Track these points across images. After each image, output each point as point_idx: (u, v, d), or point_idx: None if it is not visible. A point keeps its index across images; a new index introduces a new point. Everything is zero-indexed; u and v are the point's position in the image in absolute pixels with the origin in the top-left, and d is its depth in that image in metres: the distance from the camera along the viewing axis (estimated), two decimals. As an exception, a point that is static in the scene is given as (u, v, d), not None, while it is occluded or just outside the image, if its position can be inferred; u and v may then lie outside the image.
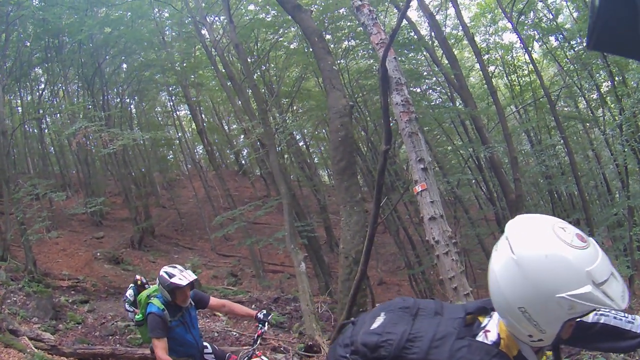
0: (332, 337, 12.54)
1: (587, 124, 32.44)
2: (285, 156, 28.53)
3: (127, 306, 14.29)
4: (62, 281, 22.01)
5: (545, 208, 34.06)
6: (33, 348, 12.79)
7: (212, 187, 40.18)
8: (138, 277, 14.82)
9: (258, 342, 6.92)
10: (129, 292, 14.30)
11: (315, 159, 45.14)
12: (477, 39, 27.21)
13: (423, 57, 27.64)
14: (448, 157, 30.91)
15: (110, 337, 15.86)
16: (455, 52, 26.35)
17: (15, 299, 17.09)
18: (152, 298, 6.88)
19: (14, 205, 21.39)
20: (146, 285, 14.36)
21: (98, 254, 27.21)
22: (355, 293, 11.16)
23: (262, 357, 6.82)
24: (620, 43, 1.98)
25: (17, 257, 22.72)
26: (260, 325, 6.92)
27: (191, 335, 6.96)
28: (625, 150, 21.67)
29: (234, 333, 15.32)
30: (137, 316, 7.42)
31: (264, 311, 7.07)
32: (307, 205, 33.85)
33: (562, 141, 27.13)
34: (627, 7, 1.77)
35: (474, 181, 33.37)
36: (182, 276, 6.66)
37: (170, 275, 6.65)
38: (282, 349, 13.67)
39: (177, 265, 7.10)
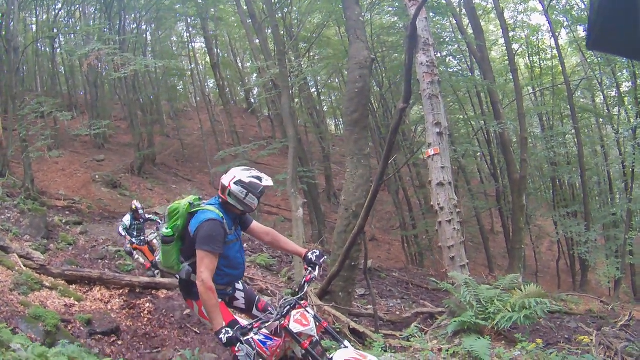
0: (321, 288, 12.53)
1: (601, 120, 32.31)
2: (296, 100, 28.29)
3: (120, 230, 14.20)
4: (57, 201, 22.18)
5: (545, 194, 34.11)
6: (22, 266, 12.79)
7: (218, 122, 40.23)
8: (134, 202, 14.75)
9: (305, 290, 5.34)
10: (126, 218, 14.35)
11: (325, 107, 44.82)
12: (506, 14, 26.82)
13: (448, 23, 27.36)
14: (458, 125, 30.75)
15: (100, 261, 15.90)
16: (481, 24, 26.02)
17: (9, 215, 17.15)
18: (201, 205, 5.38)
19: (18, 122, 21.44)
20: (140, 211, 14.27)
21: (97, 176, 27.31)
22: (351, 246, 11.12)
23: (307, 309, 5.17)
24: (619, 43, 1.98)
25: (15, 174, 22.83)
26: (309, 268, 5.39)
27: (242, 256, 5.63)
28: (635, 153, 21.62)
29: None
30: (165, 230, 5.51)
31: (316, 251, 5.50)
32: (310, 152, 33.84)
33: (573, 131, 27.03)
34: (627, 7, 1.80)
35: (479, 154, 33.35)
36: (268, 179, 5.40)
37: (259, 179, 5.31)
38: (269, 291, 13.69)
39: (250, 168, 5.57)
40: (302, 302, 5.21)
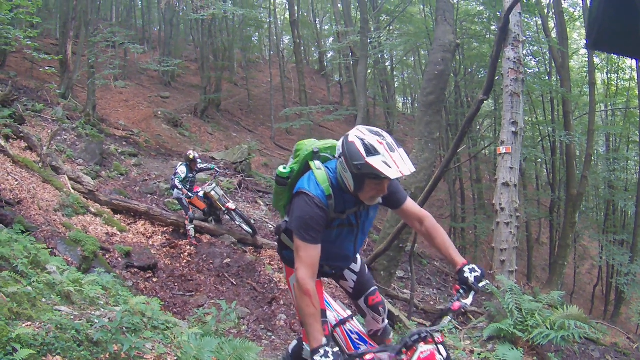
0: (365, 262, 12.48)
1: (668, 154, 31.38)
2: (369, 71, 27.99)
3: (177, 182, 13.34)
4: (116, 130, 22.44)
5: (597, 216, 33.47)
6: (70, 189, 12.93)
7: (288, 79, 40.18)
8: (191, 152, 13.82)
9: (447, 323, 3.67)
10: (182, 169, 13.55)
11: (396, 83, 44.52)
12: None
13: (533, 23, 26.80)
14: (526, 127, 30.28)
15: (149, 196, 15.98)
16: (564, 30, 25.51)
17: (66, 137, 17.35)
18: (317, 162, 3.88)
19: (89, 48, 21.73)
20: (198, 160, 13.67)
21: (159, 112, 27.56)
22: (403, 227, 11.11)
23: (441, 347, 3.53)
24: (619, 43, 2.05)
25: (78, 98, 23.16)
26: (461, 290, 3.65)
27: (353, 246, 4.13)
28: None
29: (270, 226, 15.35)
30: (281, 169, 4.10)
31: (478, 271, 3.67)
32: (375, 125, 33.41)
33: (637, 158, 26.35)
34: (627, 7, 1.82)
35: (539, 160, 32.77)
36: (394, 160, 3.35)
37: (369, 150, 3.39)
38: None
39: (380, 131, 3.57)
40: (437, 335, 3.60)
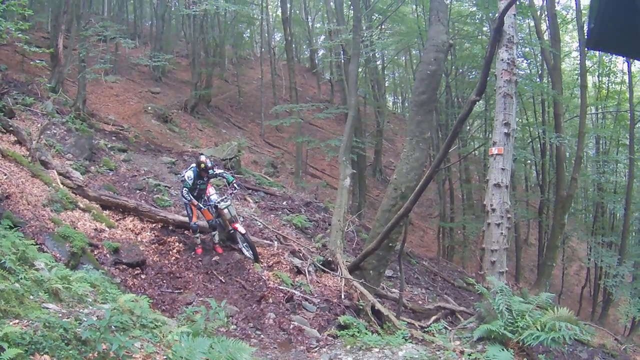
0: (353, 262, 12.44)
1: (658, 157, 31.59)
2: (360, 70, 27.98)
3: (184, 193, 12.35)
4: (106, 125, 22.36)
5: (586, 218, 33.63)
6: (59, 184, 12.77)
7: (278, 76, 40.34)
8: (203, 158, 12.61)
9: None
10: (189, 174, 12.46)
11: (387, 82, 44.62)
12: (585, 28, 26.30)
13: (525, 25, 26.89)
14: (516, 129, 30.35)
15: (138, 192, 15.78)
16: (555, 34, 25.61)
17: (55, 131, 17.23)
18: None
19: (80, 42, 21.67)
20: (210, 171, 12.48)
21: (149, 107, 27.55)
22: (393, 227, 11.11)
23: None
24: (620, 43, 1.97)
25: (68, 92, 23.10)
26: None
27: None
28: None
29: (259, 223, 15.27)
30: None
31: None
32: (365, 124, 33.62)
33: (627, 161, 26.45)
34: (627, 7, 1.80)
35: (529, 161, 32.91)
36: None
37: None
38: (301, 254, 13.48)
39: None
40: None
